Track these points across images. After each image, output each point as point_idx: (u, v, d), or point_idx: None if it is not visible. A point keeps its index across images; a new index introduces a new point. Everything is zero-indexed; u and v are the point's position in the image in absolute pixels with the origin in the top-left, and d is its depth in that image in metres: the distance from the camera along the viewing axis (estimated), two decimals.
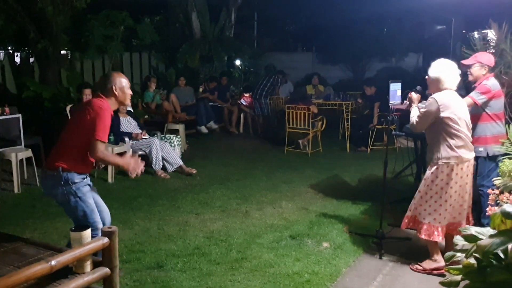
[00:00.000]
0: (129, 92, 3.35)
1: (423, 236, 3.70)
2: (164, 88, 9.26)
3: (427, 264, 3.74)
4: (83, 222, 3.14)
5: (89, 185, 3.29)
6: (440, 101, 3.57)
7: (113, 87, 3.25)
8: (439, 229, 3.65)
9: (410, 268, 3.80)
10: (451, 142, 3.57)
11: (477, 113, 4.39)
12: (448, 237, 3.77)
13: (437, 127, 3.63)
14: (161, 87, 9.26)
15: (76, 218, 3.23)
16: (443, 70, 3.67)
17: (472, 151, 3.70)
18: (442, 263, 3.64)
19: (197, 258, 3.94)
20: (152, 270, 3.73)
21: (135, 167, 3.23)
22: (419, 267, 3.77)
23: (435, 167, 3.65)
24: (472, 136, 4.42)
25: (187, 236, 4.44)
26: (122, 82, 3.30)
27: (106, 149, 3.21)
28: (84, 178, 3.24)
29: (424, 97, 4.10)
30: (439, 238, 3.66)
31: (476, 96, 4.28)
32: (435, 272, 3.68)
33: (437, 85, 3.68)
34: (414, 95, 4.02)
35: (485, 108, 4.31)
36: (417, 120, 3.77)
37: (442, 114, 3.56)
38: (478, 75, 4.34)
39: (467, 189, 3.67)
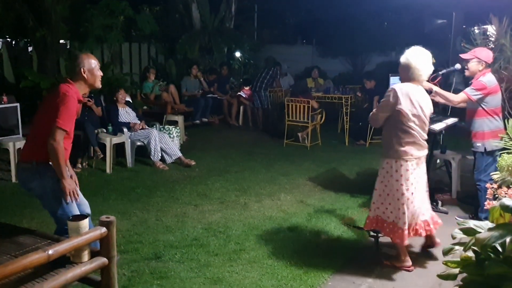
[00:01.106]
0: (99, 73, 3.19)
1: (391, 237, 3.61)
2: (163, 79, 9.23)
3: (396, 263, 3.70)
4: (60, 215, 3.01)
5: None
6: (399, 92, 3.44)
7: (82, 69, 3.11)
8: (405, 231, 3.54)
9: (384, 263, 3.76)
10: (401, 137, 3.46)
11: (473, 108, 4.39)
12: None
13: (390, 121, 3.53)
14: (160, 78, 9.24)
15: (53, 211, 3.08)
16: (415, 57, 3.49)
17: (424, 150, 3.55)
18: (408, 263, 3.65)
19: (195, 249, 3.94)
20: (150, 260, 3.73)
21: (73, 191, 3.00)
22: (388, 263, 3.73)
23: (386, 163, 3.58)
24: (470, 131, 4.44)
25: (185, 228, 4.44)
26: (91, 64, 3.14)
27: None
28: None
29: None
30: (406, 241, 3.57)
31: (471, 92, 4.28)
32: (403, 268, 3.67)
33: (406, 72, 3.51)
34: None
35: (481, 104, 4.31)
36: (375, 111, 3.68)
37: (397, 107, 3.44)
38: (474, 70, 4.34)
39: (420, 187, 3.59)
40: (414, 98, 3.46)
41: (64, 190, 2.97)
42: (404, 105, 3.43)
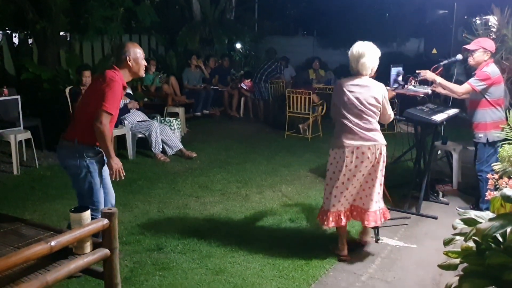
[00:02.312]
0: (143, 63, 3.30)
1: (331, 225, 3.63)
2: (164, 71, 9.21)
3: (336, 250, 3.75)
4: (87, 198, 3.16)
5: (103, 162, 3.27)
6: (335, 85, 3.57)
7: (127, 57, 3.21)
8: (329, 214, 3.61)
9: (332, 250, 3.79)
10: (338, 128, 3.58)
11: (476, 99, 4.38)
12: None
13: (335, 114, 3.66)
14: (161, 70, 9.22)
15: (81, 192, 3.24)
16: (359, 51, 3.62)
17: (362, 141, 3.47)
18: (344, 252, 3.69)
19: (197, 241, 3.96)
20: (152, 252, 3.75)
21: (120, 171, 3.19)
22: (332, 250, 3.79)
23: (330, 153, 3.64)
24: (472, 122, 4.43)
25: (187, 219, 4.46)
26: (136, 53, 3.25)
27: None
28: (99, 153, 3.22)
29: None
30: (330, 225, 3.64)
31: (475, 83, 4.27)
32: (339, 256, 3.71)
33: (350, 65, 3.71)
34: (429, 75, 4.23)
35: (485, 94, 4.30)
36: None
37: (333, 100, 3.62)
38: (479, 60, 4.32)
39: (360, 177, 3.56)
40: (349, 89, 3.55)
41: (111, 168, 3.16)
42: (338, 98, 3.58)
